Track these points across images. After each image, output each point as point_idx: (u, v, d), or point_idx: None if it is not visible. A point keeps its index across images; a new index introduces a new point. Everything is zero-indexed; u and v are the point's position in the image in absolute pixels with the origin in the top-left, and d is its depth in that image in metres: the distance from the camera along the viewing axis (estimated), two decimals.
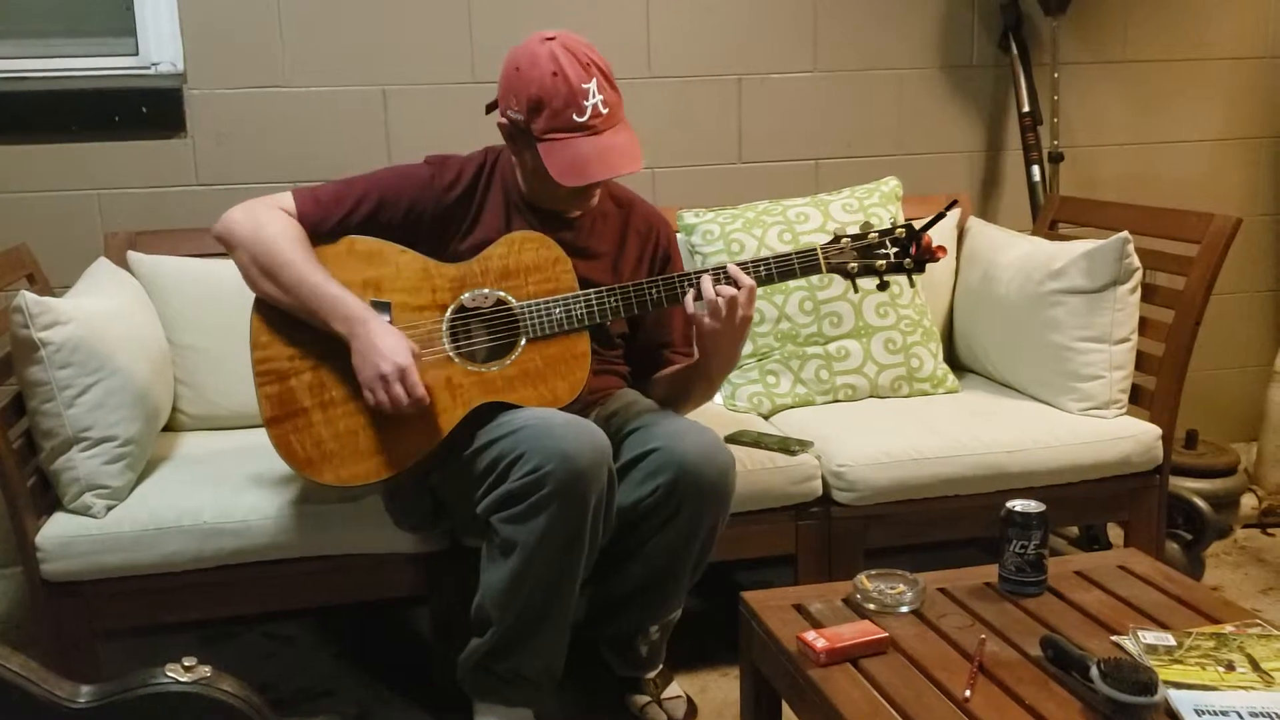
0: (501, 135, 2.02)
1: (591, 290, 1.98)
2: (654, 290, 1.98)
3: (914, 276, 2.01)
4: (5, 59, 2.60)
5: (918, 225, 1.98)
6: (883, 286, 2.00)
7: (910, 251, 1.98)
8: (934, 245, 1.97)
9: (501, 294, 2.00)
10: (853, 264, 1.99)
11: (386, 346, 1.87)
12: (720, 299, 1.90)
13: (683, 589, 2.08)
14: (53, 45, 2.64)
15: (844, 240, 2.00)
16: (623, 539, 2.00)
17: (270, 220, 1.96)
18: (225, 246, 1.99)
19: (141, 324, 2.29)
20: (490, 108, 2.03)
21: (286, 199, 2.00)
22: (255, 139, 2.74)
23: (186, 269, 2.51)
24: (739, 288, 1.91)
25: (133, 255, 2.54)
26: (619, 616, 2.12)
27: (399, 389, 1.86)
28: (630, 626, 2.13)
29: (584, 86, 1.89)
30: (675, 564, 2.01)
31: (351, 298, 1.93)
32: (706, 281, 1.92)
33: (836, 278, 2.58)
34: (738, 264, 1.95)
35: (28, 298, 1.97)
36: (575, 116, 1.89)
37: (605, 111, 1.91)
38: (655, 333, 2.19)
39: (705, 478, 1.92)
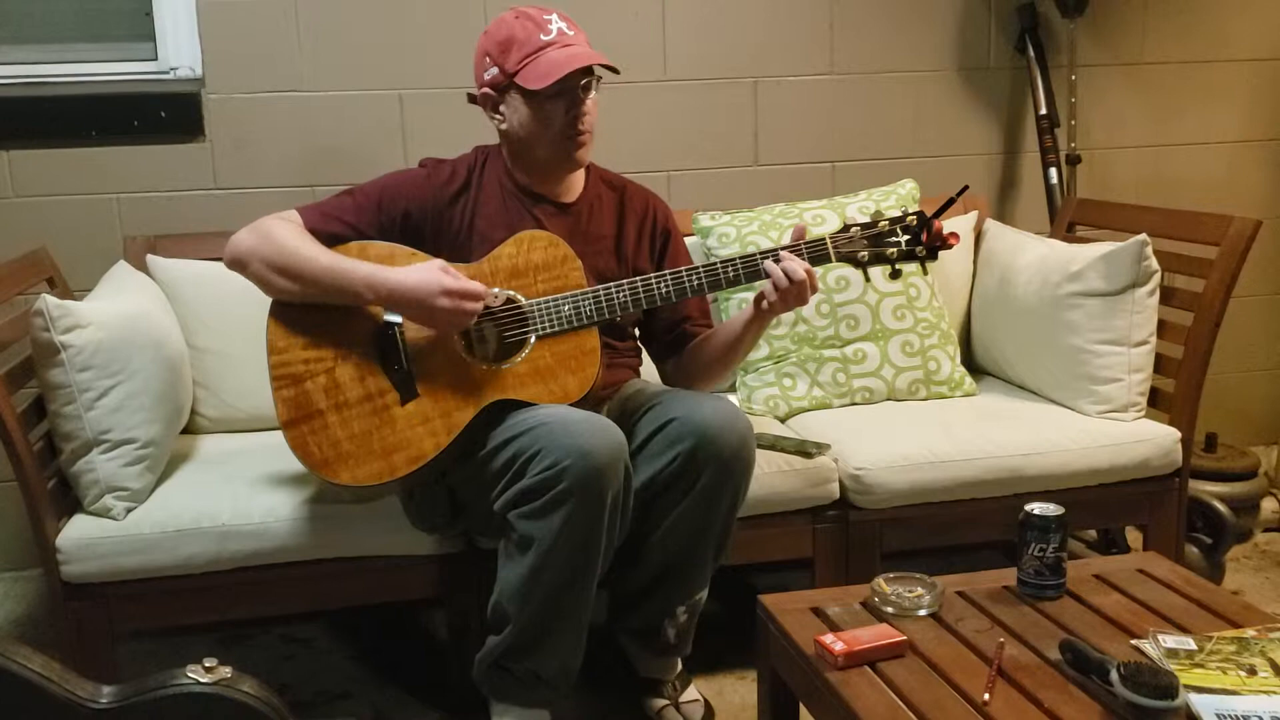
0: (486, 112, 2.09)
1: (600, 286, 2.00)
2: (661, 285, 1.99)
3: (927, 264, 2.01)
4: (25, 64, 2.62)
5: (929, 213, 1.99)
6: (895, 275, 1.99)
7: (921, 239, 1.98)
8: (946, 232, 1.97)
9: (511, 293, 2.01)
10: (863, 253, 1.99)
11: (420, 286, 1.92)
12: (791, 280, 1.93)
13: (707, 567, 2.07)
14: (72, 50, 2.66)
15: (854, 229, 2.00)
16: (644, 519, 2.00)
17: (274, 227, 2.01)
18: (238, 266, 2.03)
19: (161, 327, 2.30)
20: (471, 99, 2.11)
21: (291, 215, 2.04)
22: (273, 143, 2.75)
23: (205, 272, 2.52)
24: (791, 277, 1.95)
25: (152, 259, 2.56)
26: (645, 603, 2.11)
27: (464, 304, 1.91)
28: (657, 611, 2.11)
29: (545, 18, 2.03)
30: (698, 539, 2.01)
31: (363, 264, 1.97)
32: (794, 263, 1.94)
33: (853, 280, 2.60)
34: (746, 256, 1.98)
35: (48, 301, 1.98)
36: (542, 36, 2.01)
37: (571, 33, 2.03)
38: (672, 312, 2.20)
39: (725, 443, 1.92)
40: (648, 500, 1.98)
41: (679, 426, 1.94)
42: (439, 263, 1.95)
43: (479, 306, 1.93)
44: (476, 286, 1.93)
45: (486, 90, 2.07)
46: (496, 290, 2.01)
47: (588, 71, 2.03)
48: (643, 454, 1.98)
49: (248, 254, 2.00)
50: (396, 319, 1.98)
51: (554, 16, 2.03)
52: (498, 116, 2.08)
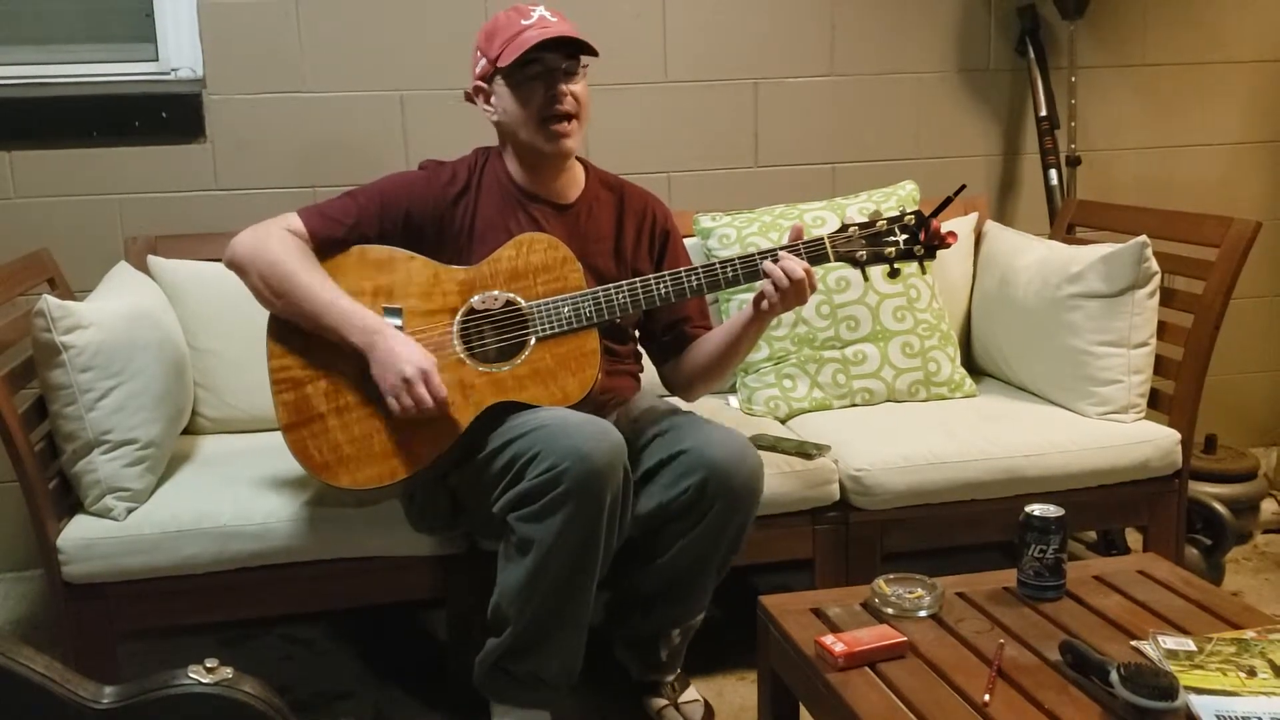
0: (480, 106, 2.10)
1: (599, 288, 2.00)
2: (660, 286, 1.99)
3: (925, 264, 2.01)
4: (26, 65, 2.63)
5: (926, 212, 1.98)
6: (893, 275, 1.99)
7: (920, 238, 1.98)
8: (944, 232, 1.97)
9: (511, 295, 2.01)
10: (861, 252, 1.99)
11: (406, 352, 1.91)
12: (790, 279, 1.93)
13: (707, 593, 2.09)
14: (73, 52, 2.66)
15: (851, 229, 2.00)
16: (649, 541, 2.01)
17: (275, 240, 1.99)
18: (236, 271, 2.03)
19: (162, 328, 2.30)
20: (467, 97, 2.13)
21: (293, 219, 2.03)
22: (274, 144, 2.75)
23: (206, 273, 2.52)
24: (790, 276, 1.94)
25: (153, 260, 2.56)
26: (641, 618, 2.13)
27: (422, 390, 1.89)
28: (652, 629, 2.13)
29: (531, 8, 2.05)
30: (701, 567, 2.02)
31: (364, 310, 1.97)
32: (792, 262, 1.94)
33: (853, 281, 2.60)
34: (745, 256, 1.98)
35: (50, 302, 1.98)
36: (523, 22, 2.02)
37: (554, 19, 2.03)
38: (671, 312, 2.19)
39: (736, 479, 1.93)
40: (654, 527, 1.99)
41: (689, 460, 1.94)
42: (429, 355, 1.94)
43: (428, 402, 1.89)
44: (443, 393, 1.90)
45: (478, 83, 2.09)
46: (496, 293, 2.01)
47: (569, 57, 2.03)
48: (653, 483, 1.98)
49: (244, 263, 2.00)
50: (397, 320, 1.99)
51: (540, 6, 2.05)
52: (489, 109, 2.09)
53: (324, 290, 1.97)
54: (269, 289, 1.98)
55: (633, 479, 1.93)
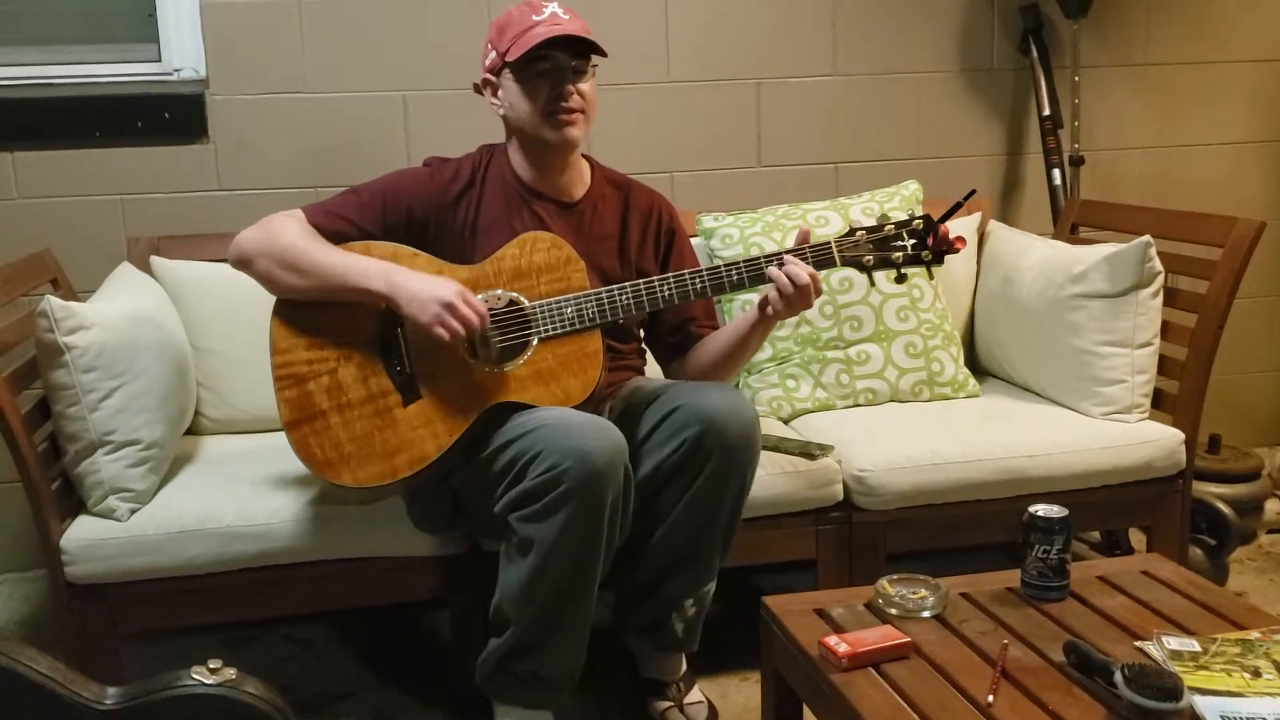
0: (488, 99, 2.11)
1: (603, 289, 2.00)
2: (664, 288, 1.99)
3: (933, 269, 2.00)
4: (29, 66, 2.63)
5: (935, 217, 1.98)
6: (900, 279, 1.99)
7: (927, 243, 1.97)
8: (952, 236, 1.96)
9: (514, 295, 2.01)
10: (868, 257, 1.98)
11: (433, 282, 1.92)
12: (795, 285, 1.92)
13: (714, 557, 2.06)
14: (76, 52, 2.67)
15: (859, 233, 1.99)
16: (650, 510, 1.99)
17: (280, 225, 2.02)
18: (242, 265, 2.03)
19: (165, 328, 2.31)
20: (476, 90, 2.14)
21: (297, 215, 2.05)
22: (277, 144, 2.75)
23: (209, 273, 2.52)
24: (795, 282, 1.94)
25: (156, 260, 2.56)
26: (652, 597, 2.10)
27: (466, 310, 1.89)
28: (665, 604, 2.09)
29: (544, 4, 2.05)
30: (705, 529, 2.00)
31: (374, 259, 1.98)
32: (797, 268, 1.94)
33: (857, 281, 2.60)
34: (750, 260, 1.98)
35: (53, 302, 1.98)
36: (534, 17, 2.02)
37: (565, 17, 2.03)
38: (677, 313, 2.19)
39: (731, 430, 1.92)
40: (654, 490, 1.98)
41: (684, 414, 1.94)
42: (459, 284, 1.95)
43: (474, 319, 1.90)
44: (484, 308, 1.92)
45: (487, 76, 2.09)
46: (499, 292, 2.01)
47: (579, 55, 2.03)
48: (648, 444, 1.98)
49: (253, 251, 2.00)
50: (400, 320, 1.99)
51: (553, 3, 2.06)
52: (495, 102, 2.10)
53: (333, 253, 1.98)
54: (280, 265, 1.98)
55: (631, 474, 1.92)
